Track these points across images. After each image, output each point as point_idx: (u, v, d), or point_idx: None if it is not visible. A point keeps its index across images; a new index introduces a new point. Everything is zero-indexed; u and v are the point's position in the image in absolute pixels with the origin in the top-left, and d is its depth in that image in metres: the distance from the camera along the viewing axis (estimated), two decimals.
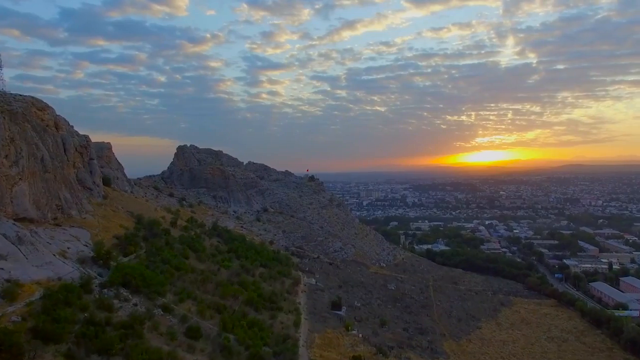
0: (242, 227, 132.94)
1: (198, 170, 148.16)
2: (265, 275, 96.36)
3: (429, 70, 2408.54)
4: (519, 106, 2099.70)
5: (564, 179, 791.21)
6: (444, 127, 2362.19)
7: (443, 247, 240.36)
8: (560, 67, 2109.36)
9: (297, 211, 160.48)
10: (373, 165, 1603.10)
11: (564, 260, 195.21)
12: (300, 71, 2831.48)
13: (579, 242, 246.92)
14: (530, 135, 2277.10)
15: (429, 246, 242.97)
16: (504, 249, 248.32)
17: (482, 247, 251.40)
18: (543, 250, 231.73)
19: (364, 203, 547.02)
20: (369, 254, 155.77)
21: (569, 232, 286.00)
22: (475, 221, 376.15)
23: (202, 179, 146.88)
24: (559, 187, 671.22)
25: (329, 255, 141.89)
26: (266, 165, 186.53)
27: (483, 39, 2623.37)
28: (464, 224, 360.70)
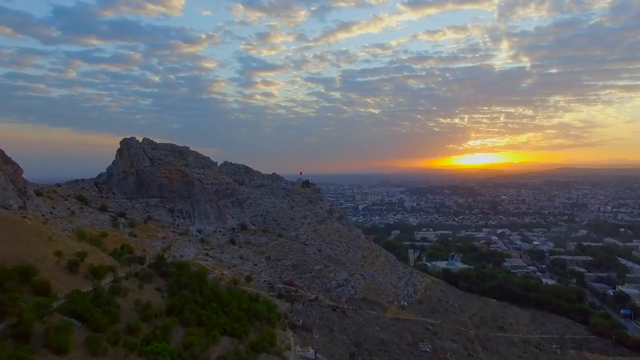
0: (207, 255, 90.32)
1: (149, 172, 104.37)
2: (230, 356, 54.39)
3: (424, 73, 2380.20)
4: (511, 109, 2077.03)
5: (562, 182, 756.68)
6: (437, 129, 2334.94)
7: (461, 265, 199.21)
8: (554, 71, 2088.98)
9: (288, 228, 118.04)
10: (366, 167, 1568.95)
11: (620, 288, 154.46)
12: (295, 72, 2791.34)
13: (618, 258, 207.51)
14: (522, 138, 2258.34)
15: (444, 263, 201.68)
16: (530, 267, 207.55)
17: (504, 263, 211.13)
18: (580, 269, 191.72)
19: (360, 207, 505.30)
20: (383, 287, 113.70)
21: (596, 244, 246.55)
22: (484, 230, 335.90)
23: (155, 185, 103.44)
24: (560, 191, 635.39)
25: (331, 293, 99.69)
26: (247, 167, 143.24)
27: (478, 42, 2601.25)
28: (473, 233, 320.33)
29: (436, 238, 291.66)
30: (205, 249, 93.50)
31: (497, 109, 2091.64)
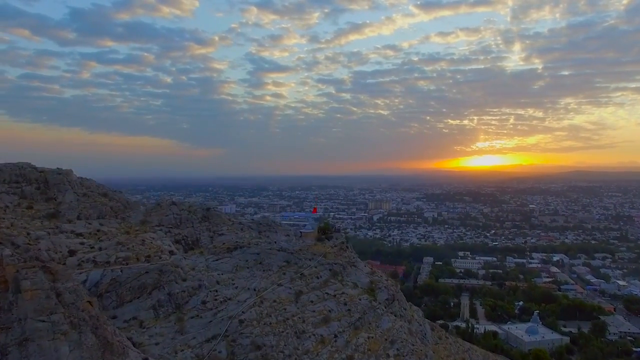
0: None
1: None
2: None
3: (434, 74, 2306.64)
4: (521, 111, 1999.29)
5: (587, 188, 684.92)
6: (445, 131, 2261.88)
7: (549, 334, 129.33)
8: (565, 73, 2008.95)
9: None
10: (373, 168, 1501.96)
11: None
12: (306, 74, 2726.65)
13: None
14: (531, 140, 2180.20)
15: (523, 331, 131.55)
16: None
17: (607, 329, 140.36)
18: None
19: (375, 218, 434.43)
20: None
21: None
22: (536, 255, 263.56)
23: None
24: (590, 198, 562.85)
25: None
26: (209, 208, 67.49)
27: (490, 44, 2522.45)
28: (525, 260, 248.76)
29: (482, 270, 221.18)
30: None
31: (507, 110, 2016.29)
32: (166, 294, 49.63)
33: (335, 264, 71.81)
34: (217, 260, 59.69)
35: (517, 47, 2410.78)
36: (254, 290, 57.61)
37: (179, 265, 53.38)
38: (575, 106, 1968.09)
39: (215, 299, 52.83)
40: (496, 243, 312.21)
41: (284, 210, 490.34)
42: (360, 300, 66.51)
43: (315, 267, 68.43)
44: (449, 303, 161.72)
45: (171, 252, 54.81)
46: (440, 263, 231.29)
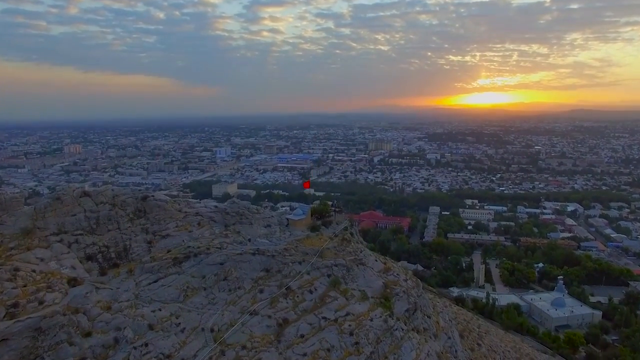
0: None
1: None
2: None
3: (437, 8, 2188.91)
4: (525, 47, 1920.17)
5: (594, 128, 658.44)
6: (447, 67, 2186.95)
7: (578, 307, 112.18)
8: (574, 6, 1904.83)
9: None
10: (372, 105, 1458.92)
11: None
12: (304, 8, 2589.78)
13: None
14: (534, 77, 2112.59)
15: (548, 303, 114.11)
16: None
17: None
18: None
19: (375, 160, 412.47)
20: None
21: None
22: (548, 204, 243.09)
23: None
24: (597, 139, 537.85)
25: None
26: (147, 197, 42.31)
27: None
28: (537, 210, 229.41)
29: (494, 223, 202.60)
30: None
31: (511, 46, 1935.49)
32: None
33: (336, 265, 49.33)
34: (155, 282, 37.63)
35: None
36: (211, 331, 36.09)
37: (82, 309, 31.49)
38: (582, 42, 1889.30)
39: None
40: (504, 189, 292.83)
41: (281, 152, 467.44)
42: (371, 320, 44.61)
43: (308, 274, 46.32)
44: (460, 264, 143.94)
45: (73, 281, 33.01)
46: (448, 213, 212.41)
